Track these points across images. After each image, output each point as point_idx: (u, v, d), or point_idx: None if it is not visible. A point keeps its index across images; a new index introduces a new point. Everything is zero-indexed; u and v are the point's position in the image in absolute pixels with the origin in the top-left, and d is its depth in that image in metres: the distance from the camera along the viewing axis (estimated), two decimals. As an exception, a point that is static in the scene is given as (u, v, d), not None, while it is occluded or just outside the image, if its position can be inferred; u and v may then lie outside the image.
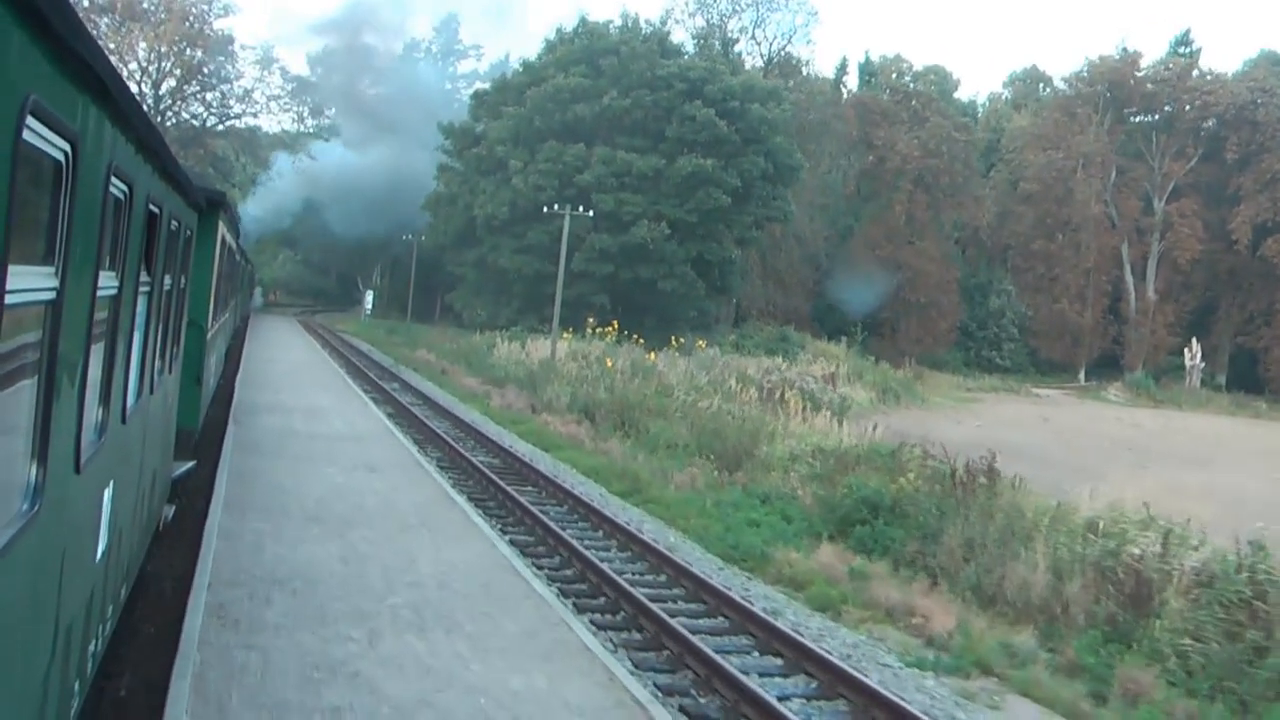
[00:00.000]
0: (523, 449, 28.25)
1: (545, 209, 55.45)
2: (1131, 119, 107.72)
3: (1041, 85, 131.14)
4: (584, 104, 68.74)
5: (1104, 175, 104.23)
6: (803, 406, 34.36)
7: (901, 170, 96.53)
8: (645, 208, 66.26)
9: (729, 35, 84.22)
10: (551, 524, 18.12)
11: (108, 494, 6.36)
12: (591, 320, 57.66)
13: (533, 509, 19.08)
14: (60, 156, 4.11)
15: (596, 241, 66.56)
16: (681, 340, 62.81)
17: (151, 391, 8.86)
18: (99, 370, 5.91)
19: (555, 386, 40.23)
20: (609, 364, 40.78)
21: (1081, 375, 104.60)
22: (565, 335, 52.77)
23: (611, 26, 75.39)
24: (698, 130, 67.05)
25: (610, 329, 54.40)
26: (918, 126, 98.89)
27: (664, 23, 79.25)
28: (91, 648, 6.26)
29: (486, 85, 79.44)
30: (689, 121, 67.22)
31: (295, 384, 31.58)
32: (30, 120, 3.46)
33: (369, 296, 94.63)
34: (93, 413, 5.76)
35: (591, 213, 54.78)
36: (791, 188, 73.90)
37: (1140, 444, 54.96)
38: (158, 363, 9.40)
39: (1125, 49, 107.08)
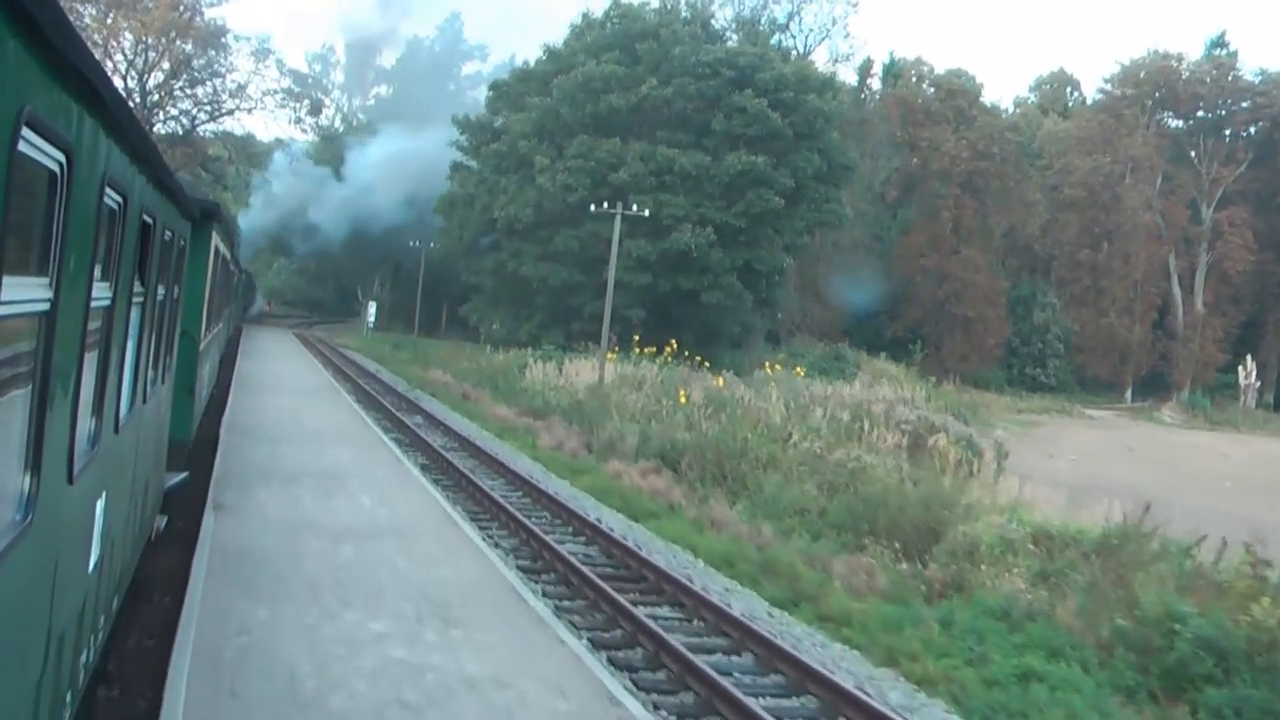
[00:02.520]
0: (614, 523, 20.80)
1: (592, 207, 47.74)
2: (1177, 122, 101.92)
3: (1069, 89, 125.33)
4: (619, 94, 61.19)
5: (1150, 181, 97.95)
6: (963, 458, 26.75)
7: (948, 173, 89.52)
8: (688, 210, 58.73)
9: (761, 29, 76.43)
10: (741, 695, 10.69)
11: (100, 504, 6.35)
12: (636, 338, 50.08)
13: (703, 666, 11.59)
14: (55, 167, 4.09)
15: (633, 248, 59.00)
16: (722, 358, 55.48)
17: (144, 402, 8.83)
18: (92, 381, 5.88)
19: (617, 423, 32.76)
20: (683, 397, 33.17)
21: (1129, 394, 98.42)
22: (610, 355, 45.27)
23: (648, 9, 67.57)
24: (747, 123, 59.51)
25: (668, 347, 46.85)
26: (964, 126, 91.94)
27: (704, 6, 71.26)
28: (83, 658, 6.24)
29: (506, 76, 71.32)
30: (738, 114, 59.63)
31: (301, 428, 24.06)
32: (25, 131, 3.46)
33: (371, 308, 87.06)
34: (86, 423, 5.68)
35: (647, 212, 47.13)
36: (844, 189, 66.34)
37: (1254, 479, 49.00)
38: (151, 373, 9.27)
39: (1157, 51, 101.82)
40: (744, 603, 15.81)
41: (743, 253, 60.52)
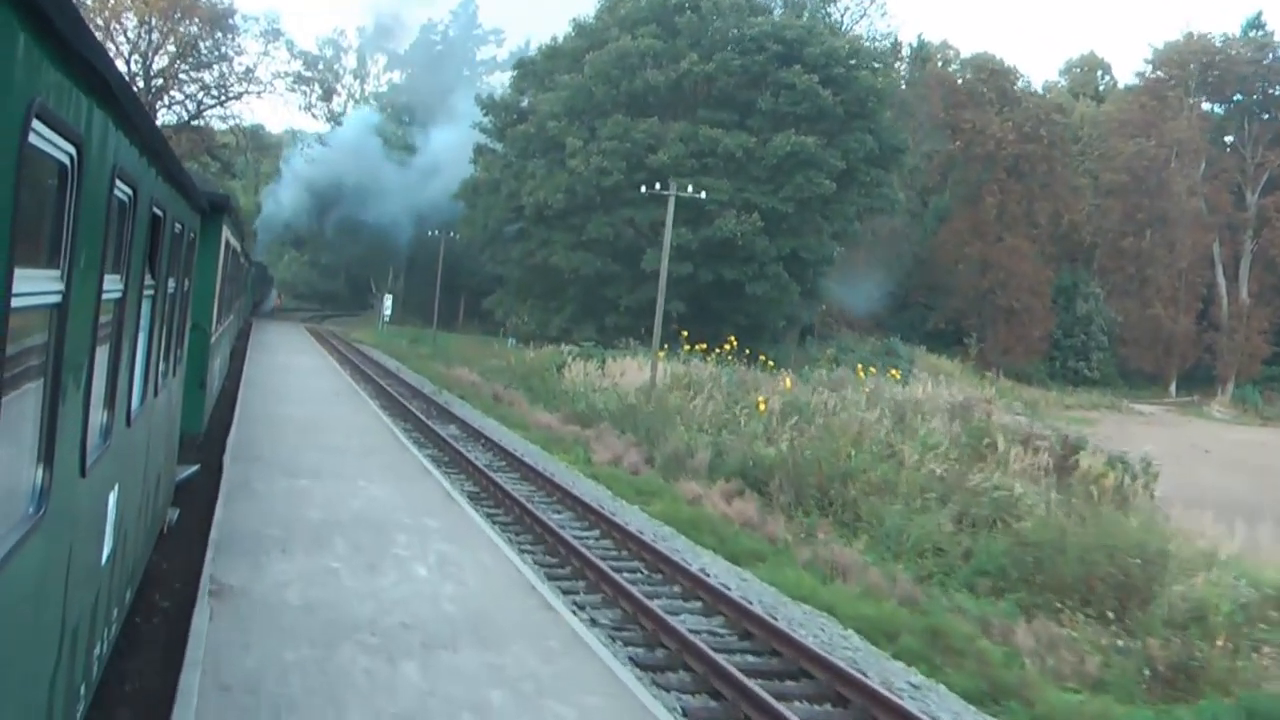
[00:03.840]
0: (718, 569, 16.62)
1: (641, 189, 43.27)
2: (1215, 105, 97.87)
3: (1100, 73, 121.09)
4: (656, 70, 56.75)
5: (1195, 166, 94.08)
6: (1119, 481, 22.30)
7: (992, 157, 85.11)
8: (732, 195, 54.32)
9: (805, 1, 71.44)
10: None
11: (113, 497, 6.33)
12: (683, 334, 45.72)
13: None
14: (65, 160, 4.10)
15: (673, 236, 54.47)
16: (766, 354, 51.15)
17: (156, 395, 8.78)
18: (104, 374, 5.81)
19: (683, 434, 28.48)
20: (761, 404, 28.76)
21: (1172, 388, 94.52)
22: (659, 353, 40.96)
23: (687, -21, 62.89)
24: (796, 101, 55.08)
25: (726, 344, 42.44)
26: (1007, 108, 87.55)
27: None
28: (97, 650, 6.20)
29: (532, 54, 66.49)
30: (786, 91, 55.16)
31: (323, 450, 19.79)
32: (36, 123, 3.44)
33: (387, 301, 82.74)
34: (98, 416, 5.70)
35: (704, 194, 42.70)
36: (895, 172, 61.85)
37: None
38: (162, 366, 9.22)
39: (1192, 33, 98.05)
40: (940, 702, 11.57)
41: (789, 240, 56.14)
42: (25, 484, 4.08)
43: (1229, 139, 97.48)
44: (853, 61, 56.40)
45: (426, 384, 44.30)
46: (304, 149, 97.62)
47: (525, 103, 64.08)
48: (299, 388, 31.59)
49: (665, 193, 38.44)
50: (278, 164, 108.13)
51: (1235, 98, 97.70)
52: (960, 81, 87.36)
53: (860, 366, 45.40)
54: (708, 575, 15.69)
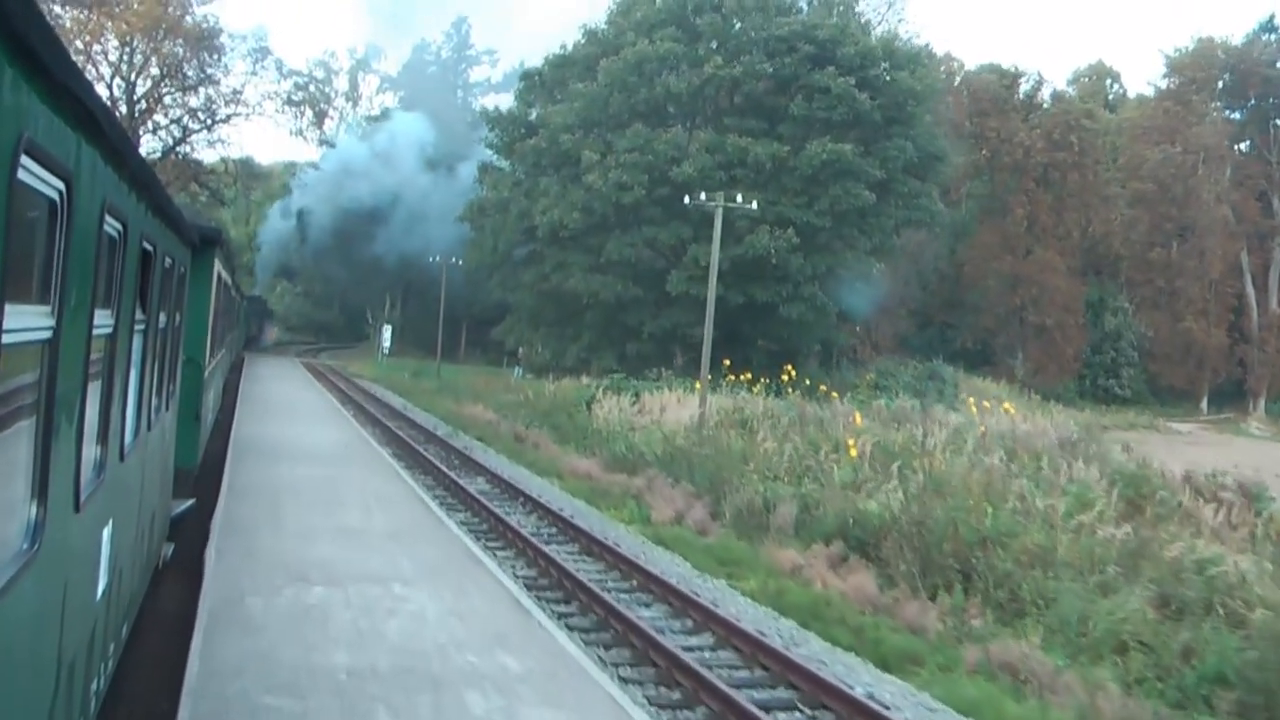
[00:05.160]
0: (864, 676, 12.22)
1: (685, 199, 38.75)
2: (1239, 109, 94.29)
3: (1109, 81, 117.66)
4: (678, 75, 52.39)
5: (1222, 172, 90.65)
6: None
7: (1021, 166, 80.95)
8: (763, 208, 49.86)
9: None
10: None
11: (107, 532, 6.28)
12: (726, 362, 41.23)
13: None
14: (54, 195, 4.10)
15: (700, 254, 50.21)
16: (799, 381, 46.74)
17: (149, 429, 8.79)
18: (97, 408, 5.82)
19: (755, 484, 23.98)
20: (852, 447, 24.16)
21: (1204, 404, 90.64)
22: (697, 385, 36.47)
23: (709, -22, 58.35)
24: (830, 105, 50.67)
25: (785, 374, 37.92)
26: (1033, 114, 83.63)
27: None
28: (94, 686, 6.17)
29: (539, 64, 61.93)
30: (820, 95, 50.74)
31: (333, 527, 15.27)
32: (24, 159, 3.46)
33: (386, 332, 78.18)
34: (91, 451, 5.69)
35: (755, 204, 38.19)
36: (932, 182, 57.53)
37: None
38: (155, 400, 9.24)
39: (1203, 37, 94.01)
40: None
41: (825, 258, 51.69)
42: (18, 520, 4.09)
43: (1244, 145, 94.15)
44: (886, 64, 52.02)
45: (439, 424, 39.81)
46: (306, 170, 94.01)
47: (534, 115, 59.62)
48: (300, 439, 27.01)
49: (708, 204, 34.06)
50: (272, 193, 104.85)
51: (1263, 101, 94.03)
52: (988, 87, 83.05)
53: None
54: (889, 709, 11.20)
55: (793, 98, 51.87)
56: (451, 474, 26.12)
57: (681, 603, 15.06)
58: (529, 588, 15.07)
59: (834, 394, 37.81)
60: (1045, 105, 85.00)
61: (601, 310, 54.12)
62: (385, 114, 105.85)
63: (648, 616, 14.40)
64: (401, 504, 18.56)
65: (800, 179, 50.34)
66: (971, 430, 27.63)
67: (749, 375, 38.81)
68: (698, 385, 37.18)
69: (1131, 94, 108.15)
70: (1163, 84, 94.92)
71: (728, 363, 40.78)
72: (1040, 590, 16.40)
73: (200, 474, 17.33)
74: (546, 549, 17.69)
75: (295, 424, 30.65)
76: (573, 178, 53.40)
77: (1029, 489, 20.94)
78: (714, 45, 53.20)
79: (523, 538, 18.52)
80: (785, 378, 38.05)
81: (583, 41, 58.81)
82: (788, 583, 18.12)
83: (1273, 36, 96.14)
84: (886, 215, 53.09)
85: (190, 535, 13.69)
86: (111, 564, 6.49)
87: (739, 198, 35.57)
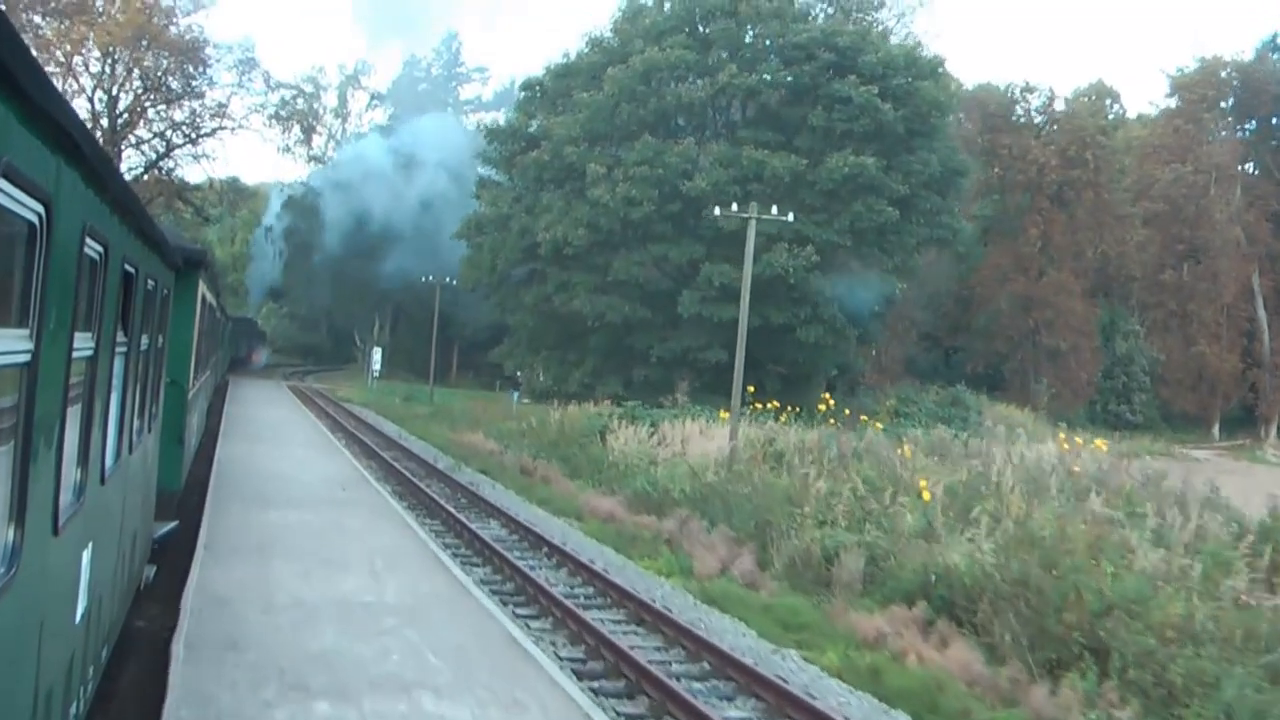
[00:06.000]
0: None
1: (721, 211, 35.62)
2: (1244, 127, 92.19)
3: (1109, 101, 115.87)
4: (689, 84, 49.54)
5: (1233, 192, 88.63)
6: None
7: (1036, 184, 78.34)
8: (780, 226, 47.03)
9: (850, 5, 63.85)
10: None
11: (87, 555, 6.24)
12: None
13: None
14: (34, 218, 4.09)
15: (714, 274, 47.37)
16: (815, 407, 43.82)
17: (131, 452, 8.74)
18: (76, 432, 5.79)
19: (811, 530, 20.99)
20: (924, 489, 21.14)
21: (1215, 430, 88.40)
22: (721, 413, 33.50)
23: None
24: (852, 117, 47.90)
25: (822, 403, 34.87)
26: (1045, 130, 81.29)
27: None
28: (73, 709, 6.10)
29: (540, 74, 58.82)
30: (841, 105, 47.95)
31: (336, 605, 12.25)
32: (3, 183, 3.50)
33: (377, 355, 75.02)
34: (71, 474, 5.63)
35: (791, 216, 35.25)
36: (954, 198, 54.77)
37: None
38: (137, 423, 9.23)
39: (1204, 57, 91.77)
40: None
41: (845, 277, 48.81)
42: None
43: (1250, 165, 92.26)
44: (909, 73, 49.27)
45: (439, 455, 36.75)
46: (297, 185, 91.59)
47: (534, 127, 56.69)
48: (291, 476, 23.94)
49: (739, 215, 31.18)
50: (259, 212, 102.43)
51: (1257, 122, 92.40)
52: (1000, 102, 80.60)
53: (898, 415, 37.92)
54: None
55: (811, 108, 49.05)
56: (460, 516, 23.15)
57: (775, 696, 12.03)
58: (578, 674, 12.06)
59: (872, 421, 34.79)
60: (1057, 121, 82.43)
61: (607, 333, 51.16)
62: (385, 130, 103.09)
63: (718, 706, 11.43)
64: (413, 562, 15.52)
65: (820, 194, 47.54)
66: (1055, 468, 24.56)
67: (775, 403, 35.75)
68: (721, 414, 34.26)
69: (1131, 114, 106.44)
70: (1165, 103, 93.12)
71: (752, 389, 37.81)
72: (1195, 673, 13.43)
73: (184, 496, 16.99)
74: (589, 618, 14.68)
75: (284, 458, 27.57)
76: (577, 192, 50.49)
77: (1140, 540, 17.96)
78: (728, 53, 50.36)
79: (559, 603, 15.49)
80: (823, 406, 34.96)
81: (586, 50, 55.92)
82: (876, 656, 15.19)
83: (1277, 56, 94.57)
84: (908, 233, 50.26)
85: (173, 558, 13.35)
86: (91, 587, 6.45)
87: (774, 209, 32.17)
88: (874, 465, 25.99)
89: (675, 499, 26.65)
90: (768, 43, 49.93)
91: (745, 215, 30.95)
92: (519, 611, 15.14)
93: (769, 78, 49.05)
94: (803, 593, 19.20)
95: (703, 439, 32.40)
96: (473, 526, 21.88)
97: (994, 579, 16.88)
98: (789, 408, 36.67)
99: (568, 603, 15.55)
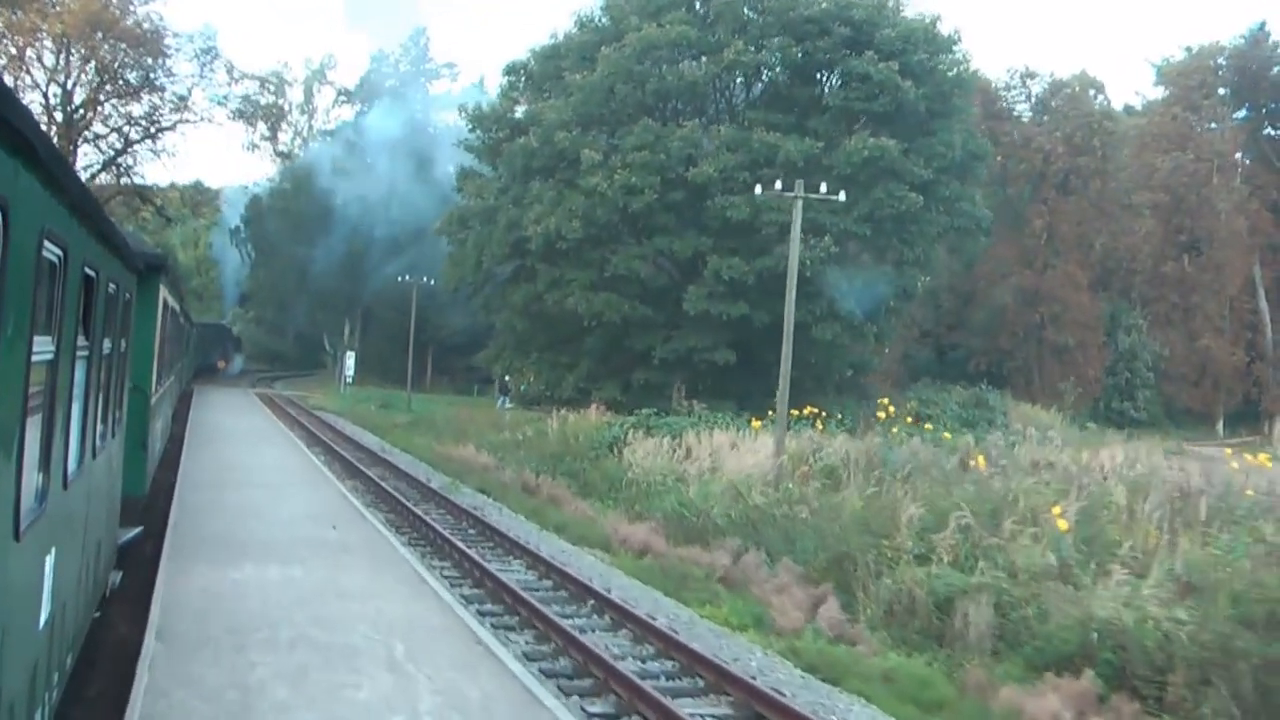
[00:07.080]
0: None
1: (762, 186, 31.60)
2: (1241, 113, 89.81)
3: (1093, 92, 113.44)
4: (692, 62, 45.65)
5: (1235, 180, 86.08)
6: None
7: (1041, 173, 75.05)
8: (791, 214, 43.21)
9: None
10: None
11: (49, 561, 6.15)
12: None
13: None
14: None
15: (721, 267, 43.47)
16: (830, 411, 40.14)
17: (94, 457, 8.67)
18: (37, 436, 5.66)
19: (912, 569, 17.14)
20: (1060, 518, 17.24)
21: (1219, 426, 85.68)
22: (754, 423, 29.57)
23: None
24: (870, 95, 44.15)
25: (883, 412, 31.00)
26: (1049, 118, 78.06)
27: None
28: (37, 716, 5.98)
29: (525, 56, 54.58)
30: (859, 83, 44.18)
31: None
32: None
33: (349, 360, 70.92)
34: (32, 479, 5.53)
35: (843, 195, 31.31)
36: (973, 184, 51.14)
37: None
38: (100, 428, 9.12)
39: (1190, 48, 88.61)
40: None
41: (863, 270, 45.07)
42: None
43: (1247, 153, 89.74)
44: (933, 47, 45.61)
45: (431, 473, 32.75)
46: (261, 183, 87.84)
47: (520, 113, 52.59)
48: (266, 510, 19.84)
49: (788, 194, 27.27)
50: (222, 216, 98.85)
51: (1270, 106, 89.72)
52: (1003, 88, 77.32)
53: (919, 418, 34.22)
54: None
55: (824, 86, 45.25)
56: (473, 553, 19.17)
57: None
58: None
59: (922, 423, 30.95)
60: (1062, 107, 79.29)
61: (604, 333, 47.19)
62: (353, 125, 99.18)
63: None
64: (442, 642, 11.50)
65: (836, 179, 43.59)
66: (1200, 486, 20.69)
67: (812, 409, 31.93)
68: (754, 423, 30.36)
69: (1117, 105, 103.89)
70: (1153, 94, 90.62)
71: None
72: None
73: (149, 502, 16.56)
74: (663, 697, 10.73)
75: (256, 484, 23.46)
76: (569, 182, 46.42)
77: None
78: (733, 29, 46.35)
79: (644, 694, 11.48)
80: (882, 414, 31.19)
81: (575, 31, 51.81)
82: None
83: (1268, 43, 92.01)
84: (929, 222, 46.54)
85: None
86: (55, 593, 6.33)
87: (823, 187, 28.27)
88: (941, 482, 22.10)
89: (719, 525, 22.78)
90: (772, 19, 45.95)
91: (790, 194, 26.96)
92: (590, 709, 11.18)
93: (779, 54, 45.10)
94: (914, 650, 15.43)
95: (733, 452, 28.48)
96: (491, 568, 17.91)
97: (1183, 643, 13.09)
98: (821, 414, 32.85)
99: (645, 686, 11.59)
